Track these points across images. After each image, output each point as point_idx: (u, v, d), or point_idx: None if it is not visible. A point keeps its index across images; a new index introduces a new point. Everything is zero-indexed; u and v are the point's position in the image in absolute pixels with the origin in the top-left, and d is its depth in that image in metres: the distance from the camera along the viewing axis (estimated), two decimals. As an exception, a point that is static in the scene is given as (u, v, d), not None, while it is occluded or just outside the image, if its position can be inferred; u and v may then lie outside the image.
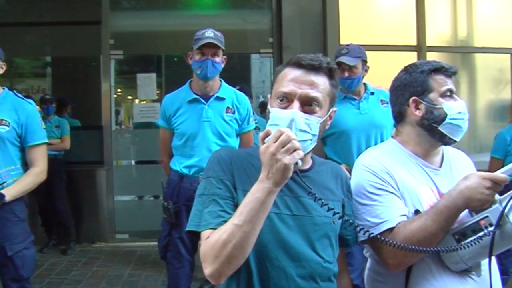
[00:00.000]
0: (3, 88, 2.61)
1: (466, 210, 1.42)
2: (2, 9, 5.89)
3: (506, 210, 1.34)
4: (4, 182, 2.46)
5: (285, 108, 1.28)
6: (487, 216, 1.37)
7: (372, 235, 1.33)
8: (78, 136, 5.55)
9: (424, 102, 1.53)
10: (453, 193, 1.40)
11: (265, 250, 1.28)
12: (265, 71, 6.57)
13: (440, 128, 1.52)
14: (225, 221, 1.22)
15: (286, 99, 1.29)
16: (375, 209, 1.48)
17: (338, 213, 1.28)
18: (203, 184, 1.34)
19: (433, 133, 1.54)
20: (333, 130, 3.02)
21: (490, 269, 1.39)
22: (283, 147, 1.13)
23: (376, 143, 2.92)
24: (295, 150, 1.13)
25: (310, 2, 5.45)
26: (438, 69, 1.54)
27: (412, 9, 5.60)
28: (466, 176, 1.42)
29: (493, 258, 1.43)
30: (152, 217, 4.93)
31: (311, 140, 1.28)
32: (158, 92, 5.83)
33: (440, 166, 1.60)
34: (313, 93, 1.29)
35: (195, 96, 2.96)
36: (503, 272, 1.67)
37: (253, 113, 3.32)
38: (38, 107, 3.26)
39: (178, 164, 2.98)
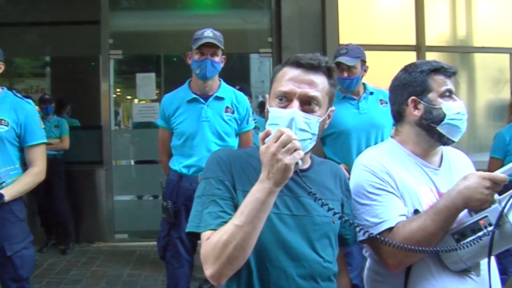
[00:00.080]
0: (3, 88, 2.60)
1: (466, 210, 1.42)
2: (1, 9, 5.88)
3: (505, 210, 1.34)
4: (3, 182, 2.46)
5: (284, 107, 1.28)
6: (486, 216, 1.37)
7: (371, 235, 1.33)
8: (77, 136, 5.54)
9: (423, 102, 1.53)
10: (453, 193, 1.40)
11: (265, 250, 1.28)
12: (264, 71, 6.58)
13: (439, 128, 1.51)
14: (225, 222, 1.21)
15: (285, 99, 1.29)
16: (375, 209, 1.48)
17: (338, 213, 1.28)
18: (202, 185, 1.33)
19: (431, 133, 1.54)
20: (332, 130, 3.02)
21: (490, 269, 1.39)
22: (283, 147, 1.12)
23: (375, 143, 2.92)
24: (295, 150, 1.13)
25: (309, 2, 5.46)
26: (438, 69, 1.54)
27: (411, 9, 5.60)
28: (465, 176, 1.42)
29: (492, 258, 1.43)
30: (151, 217, 4.94)
31: (310, 139, 1.28)
32: (157, 92, 5.83)
33: (439, 166, 1.60)
34: (313, 92, 1.29)
35: (194, 95, 2.96)
36: (502, 271, 1.67)
37: (252, 113, 3.32)
38: (37, 107, 3.26)
39: (177, 164, 2.98)
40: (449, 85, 1.54)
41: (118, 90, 6.28)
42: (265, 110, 1.35)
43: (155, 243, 4.30)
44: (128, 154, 6.14)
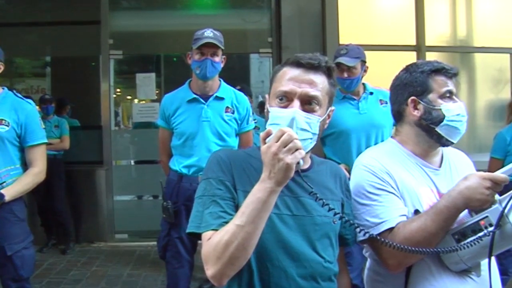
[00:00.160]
0: (3, 88, 2.60)
1: (466, 210, 1.42)
2: (1, 9, 5.89)
3: (506, 210, 1.34)
4: (4, 182, 2.46)
5: (284, 107, 1.28)
6: (487, 216, 1.37)
7: (371, 235, 1.33)
8: (77, 136, 5.54)
9: (422, 103, 1.53)
10: (453, 193, 1.40)
11: (266, 251, 1.28)
12: (264, 71, 6.58)
13: (438, 129, 1.51)
14: (226, 222, 1.21)
15: (286, 98, 1.29)
16: (375, 209, 1.48)
17: (338, 213, 1.28)
18: (202, 185, 1.33)
19: (430, 133, 1.54)
20: (332, 130, 3.02)
21: (490, 269, 1.39)
22: (285, 147, 1.12)
23: (376, 143, 2.92)
24: (297, 149, 1.13)
25: (309, 2, 5.46)
26: (439, 70, 1.54)
27: (411, 8, 5.60)
28: (466, 176, 1.42)
29: (493, 258, 1.43)
30: (151, 217, 4.93)
31: (311, 139, 1.28)
32: (157, 92, 5.83)
33: (440, 166, 1.60)
34: (313, 92, 1.29)
35: (195, 95, 2.96)
36: (502, 272, 1.67)
37: (253, 113, 3.32)
38: (37, 107, 3.26)
39: (178, 164, 2.98)
40: (450, 86, 1.53)
41: (118, 90, 6.28)
42: (265, 110, 1.35)
43: (155, 243, 4.30)
44: (128, 154, 6.15)
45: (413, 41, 5.58)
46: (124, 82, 6.38)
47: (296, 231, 1.31)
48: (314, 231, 1.33)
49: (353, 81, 3.07)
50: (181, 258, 2.94)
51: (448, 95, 1.53)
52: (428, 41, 5.58)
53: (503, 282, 1.62)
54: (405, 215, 1.46)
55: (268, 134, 1.19)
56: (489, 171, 1.43)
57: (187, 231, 1.31)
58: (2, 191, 2.41)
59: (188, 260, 2.96)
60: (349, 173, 1.65)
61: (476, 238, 1.34)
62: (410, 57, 5.33)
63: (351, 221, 1.32)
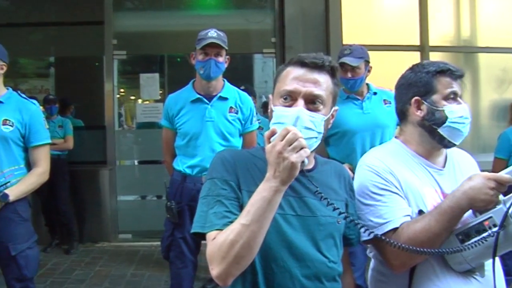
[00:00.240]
0: (8, 89, 2.62)
1: (470, 211, 1.42)
2: (6, 10, 5.91)
3: (510, 211, 1.34)
4: (8, 182, 2.47)
5: (289, 106, 1.28)
6: (491, 217, 1.37)
7: (376, 235, 1.33)
8: (81, 136, 5.55)
9: (426, 103, 1.53)
10: (457, 193, 1.40)
11: (270, 251, 1.28)
12: (268, 71, 6.58)
13: (440, 130, 1.51)
14: (231, 222, 1.21)
15: (290, 98, 1.29)
16: (379, 209, 1.47)
17: (343, 213, 1.28)
18: (207, 185, 1.33)
19: (433, 134, 1.53)
20: (336, 130, 3.02)
21: (494, 269, 1.39)
22: (289, 145, 1.12)
23: (380, 143, 2.92)
24: (301, 148, 1.13)
25: (312, 2, 5.46)
26: (444, 71, 1.53)
27: (415, 9, 5.59)
28: (470, 176, 1.42)
29: (497, 259, 1.43)
30: (155, 217, 4.94)
31: (316, 138, 1.27)
32: (161, 92, 5.85)
33: (444, 166, 1.59)
34: (317, 91, 1.29)
35: (198, 96, 2.96)
36: (507, 273, 1.66)
37: (256, 113, 3.32)
38: (41, 107, 3.28)
39: (181, 164, 2.98)
40: (455, 87, 1.53)
41: (122, 90, 6.30)
42: (269, 110, 1.35)
43: (158, 243, 4.28)
44: (131, 154, 6.15)
45: (416, 41, 5.57)
46: (128, 82, 6.40)
47: (300, 231, 1.31)
48: (318, 231, 1.33)
49: (357, 81, 3.07)
50: (184, 258, 2.94)
51: (452, 96, 1.52)
52: (432, 41, 5.57)
53: (507, 282, 1.61)
54: (409, 215, 1.45)
55: (273, 133, 1.19)
56: (493, 171, 1.43)
57: (192, 231, 1.31)
58: (7, 191, 2.43)
59: (191, 260, 2.96)
60: (353, 173, 1.65)
61: (480, 238, 1.34)
62: (414, 57, 5.33)
63: (356, 221, 1.32)
